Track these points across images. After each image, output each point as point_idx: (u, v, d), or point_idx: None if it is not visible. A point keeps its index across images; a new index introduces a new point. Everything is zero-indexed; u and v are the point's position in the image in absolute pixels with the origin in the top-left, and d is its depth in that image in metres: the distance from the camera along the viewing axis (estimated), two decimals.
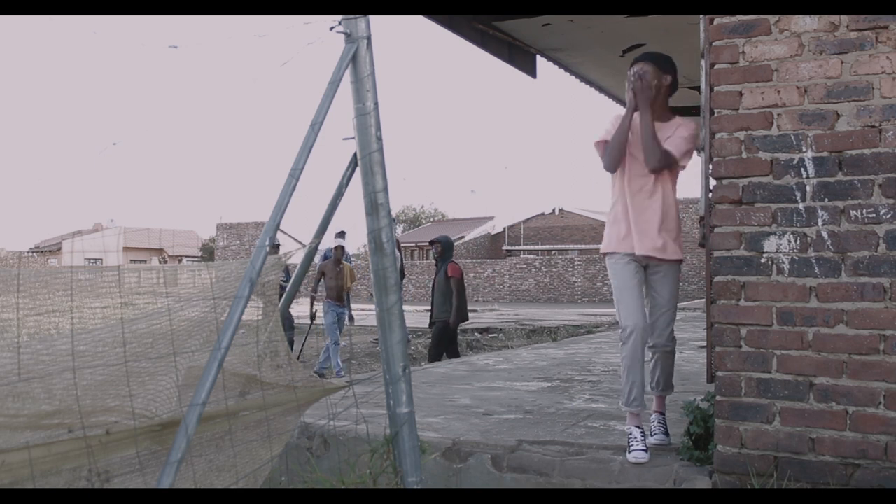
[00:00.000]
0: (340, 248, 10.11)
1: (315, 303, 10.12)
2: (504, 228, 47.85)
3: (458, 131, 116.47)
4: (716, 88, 3.20)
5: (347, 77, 2.94)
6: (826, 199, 3.00)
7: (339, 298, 9.78)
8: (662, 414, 3.87)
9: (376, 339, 9.58)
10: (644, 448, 3.52)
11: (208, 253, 45.97)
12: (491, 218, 49.54)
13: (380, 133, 2.99)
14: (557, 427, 4.22)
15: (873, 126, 2.94)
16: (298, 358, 9.26)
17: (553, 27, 6.49)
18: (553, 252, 42.36)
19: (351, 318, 11.03)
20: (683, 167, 3.75)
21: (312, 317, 10.18)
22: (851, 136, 2.97)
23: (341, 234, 11.79)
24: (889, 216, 2.91)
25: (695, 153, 3.87)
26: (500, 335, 14.28)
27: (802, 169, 3.04)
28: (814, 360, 2.99)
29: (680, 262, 3.77)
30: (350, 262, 11.45)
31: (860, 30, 2.96)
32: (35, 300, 2.20)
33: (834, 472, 2.94)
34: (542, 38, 6.84)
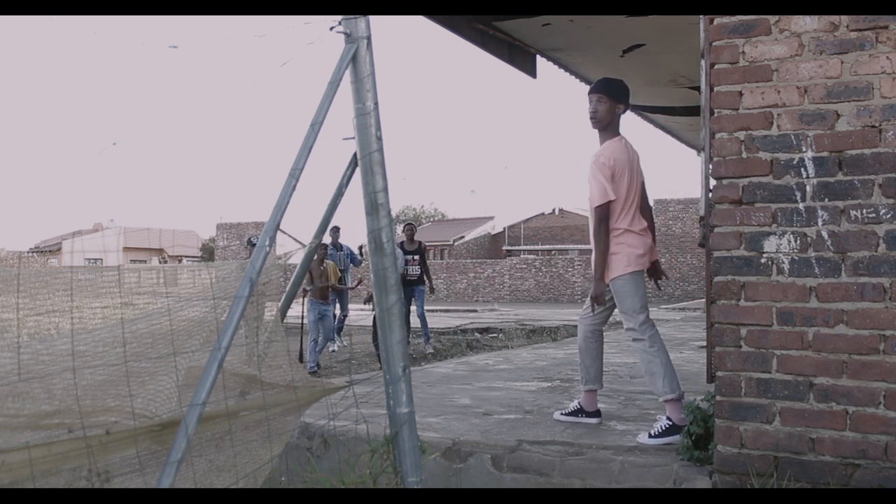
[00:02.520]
0: (323, 247, 10.21)
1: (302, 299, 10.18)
2: (504, 228, 47.87)
3: (458, 131, 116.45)
4: (716, 88, 3.20)
5: (347, 77, 2.94)
6: (826, 199, 3.00)
7: (324, 297, 9.84)
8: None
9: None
10: (563, 413, 4.47)
11: (208, 253, 45.94)
12: (491, 218, 49.56)
13: (380, 133, 2.99)
14: (557, 427, 4.22)
15: (873, 126, 2.94)
16: (300, 359, 9.27)
17: (553, 27, 6.49)
18: (553, 252, 42.35)
19: (345, 315, 11.61)
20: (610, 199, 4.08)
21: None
22: (851, 136, 2.97)
23: (335, 230, 11.76)
24: (889, 216, 2.91)
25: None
26: (500, 335, 14.27)
27: (802, 169, 3.04)
28: (814, 360, 2.99)
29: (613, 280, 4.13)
30: (336, 258, 11.50)
31: (860, 30, 2.96)
32: (35, 300, 2.20)
33: (834, 472, 2.94)
34: (542, 38, 6.84)
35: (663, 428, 3.83)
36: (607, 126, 4.18)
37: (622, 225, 4.07)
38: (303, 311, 10.04)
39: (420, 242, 11.14)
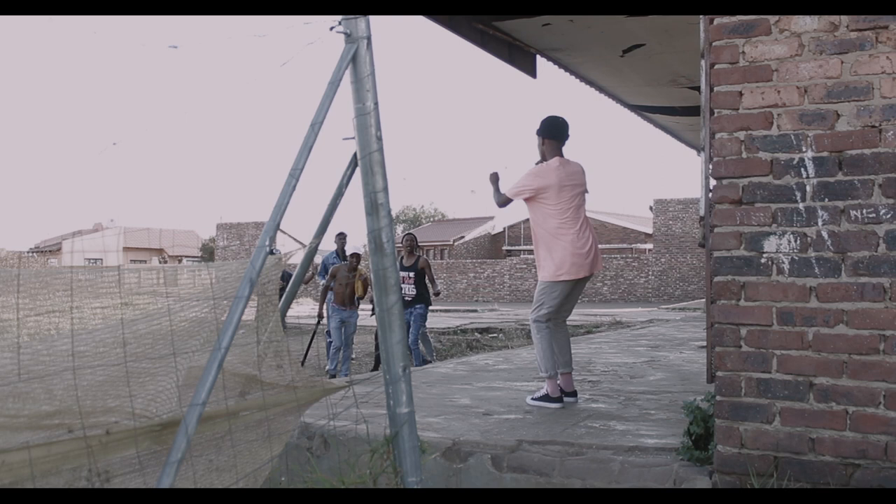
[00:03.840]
0: (357, 256, 9.68)
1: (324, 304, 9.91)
2: (504, 228, 47.87)
3: (458, 131, 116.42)
4: (716, 88, 3.20)
5: (347, 77, 2.94)
6: (826, 199, 3.00)
7: (345, 303, 9.65)
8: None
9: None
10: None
11: (208, 253, 45.96)
12: (491, 218, 49.54)
13: (380, 133, 2.99)
14: (557, 427, 4.22)
15: (873, 126, 2.94)
16: (303, 362, 9.15)
17: (553, 27, 6.49)
18: None
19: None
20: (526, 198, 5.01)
21: (320, 317, 10.00)
22: (851, 136, 2.97)
23: (341, 237, 10.40)
24: (889, 216, 2.91)
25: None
26: (500, 335, 14.29)
27: (802, 169, 3.04)
28: (814, 360, 2.99)
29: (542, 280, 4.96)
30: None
31: (860, 30, 2.96)
32: (35, 300, 2.20)
33: (834, 472, 2.94)
34: (542, 38, 6.84)
35: (541, 395, 4.89)
36: (544, 157, 5.07)
37: (558, 238, 4.85)
38: (320, 312, 9.85)
39: (419, 257, 9.53)
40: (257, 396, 2.72)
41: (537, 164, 5.06)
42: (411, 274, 9.24)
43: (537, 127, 5.10)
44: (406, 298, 9.00)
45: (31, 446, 2.07)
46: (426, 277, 9.49)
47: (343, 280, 9.58)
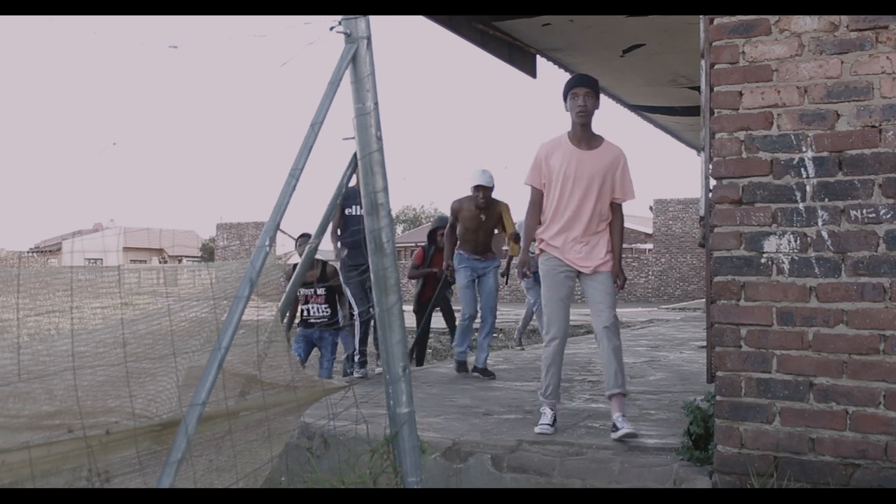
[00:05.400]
0: (483, 189, 6.33)
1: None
2: None
3: (458, 131, 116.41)
4: (716, 88, 3.20)
5: (347, 77, 2.94)
6: (826, 199, 3.00)
7: (477, 252, 6.55)
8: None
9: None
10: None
11: (208, 253, 45.93)
12: None
13: (380, 133, 2.99)
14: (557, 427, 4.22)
15: (873, 126, 2.94)
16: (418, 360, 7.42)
17: (553, 27, 6.49)
18: None
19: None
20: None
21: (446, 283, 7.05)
22: (851, 136, 2.97)
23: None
24: (889, 216, 2.91)
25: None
26: (500, 335, 14.28)
27: (802, 169, 3.04)
28: (814, 360, 2.99)
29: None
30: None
31: (860, 30, 2.96)
32: (35, 300, 2.20)
33: (834, 472, 2.94)
34: (542, 38, 6.84)
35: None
36: (590, 123, 4.11)
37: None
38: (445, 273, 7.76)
39: (325, 264, 6.70)
40: (257, 396, 2.72)
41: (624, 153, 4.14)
42: (320, 291, 6.51)
43: (595, 84, 4.15)
44: (316, 321, 6.60)
45: (31, 446, 2.07)
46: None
47: (471, 224, 6.43)
